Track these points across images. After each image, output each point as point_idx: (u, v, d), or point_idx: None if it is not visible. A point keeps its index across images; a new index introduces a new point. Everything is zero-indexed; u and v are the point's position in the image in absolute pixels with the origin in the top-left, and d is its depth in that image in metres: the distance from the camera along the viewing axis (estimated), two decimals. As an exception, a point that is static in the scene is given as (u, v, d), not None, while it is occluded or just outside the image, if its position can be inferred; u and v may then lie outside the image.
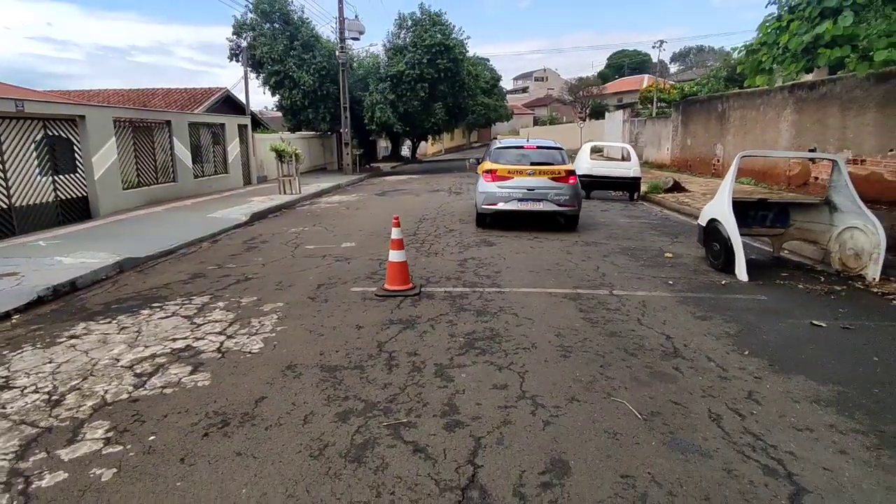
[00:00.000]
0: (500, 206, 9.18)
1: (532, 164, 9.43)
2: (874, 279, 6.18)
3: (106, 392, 3.61)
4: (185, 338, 4.57)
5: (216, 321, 4.97)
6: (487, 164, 9.63)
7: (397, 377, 3.74)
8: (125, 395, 3.56)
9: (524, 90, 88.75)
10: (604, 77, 67.73)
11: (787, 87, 13.83)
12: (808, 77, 11.48)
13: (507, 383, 3.63)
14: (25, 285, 6.10)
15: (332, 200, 14.82)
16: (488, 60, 48.41)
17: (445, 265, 6.92)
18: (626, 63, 73.29)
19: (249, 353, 4.21)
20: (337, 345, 4.33)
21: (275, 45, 22.68)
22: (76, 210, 10.91)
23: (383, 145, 39.89)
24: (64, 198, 10.57)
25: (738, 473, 2.67)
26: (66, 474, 2.72)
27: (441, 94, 24.74)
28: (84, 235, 9.21)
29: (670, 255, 7.56)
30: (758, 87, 14.64)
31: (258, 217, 11.65)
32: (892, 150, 10.67)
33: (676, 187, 14.56)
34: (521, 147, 10.14)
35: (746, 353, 4.17)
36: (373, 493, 2.53)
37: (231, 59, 23.52)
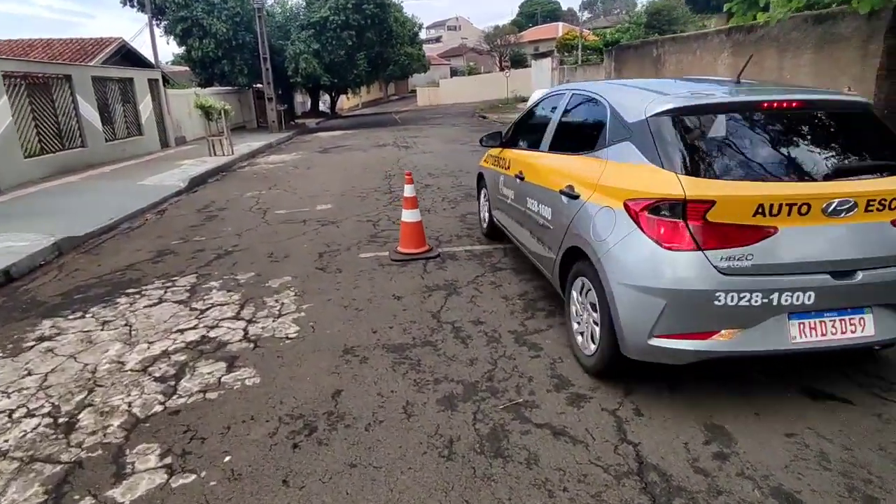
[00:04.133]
0: (738, 344, 2.48)
1: (830, 172, 2.60)
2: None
3: (130, 405, 2.90)
4: (194, 328, 3.83)
5: (221, 305, 4.22)
6: (665, 180, 2.54)
7: (478, 350, 3.32)
8: (159, 407, 2.87)
9: (437, 40, 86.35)
10: (519, 25, 67.39)
11: (723, 30, 14.21)
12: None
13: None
14: (-56, 280, 4.92)
15: (272, 160, 13.57)
16: (402, 7, 46.41)
17: (447, 223, 6.44)
18: (538, 11, 73.24)
19: (287, 338, 3.58)
20: (386, 319, 3.80)
21: (177, -14, 20.01)
22: (-31, 185, 9.10)
23: (300, 100, 37.49)
24: (-48, 170, 8.76)
25: None
26: (138, 522, 2.10)
27: (368, 42, 23.25)
28: (-8, 214, 7.68)
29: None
30: (694, 31, 14.96)
31: (198, 182, 10.37)
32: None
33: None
34: (757, 105, 2.76)
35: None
36: (543, 493, 2.15)
37: (125, 4, 20.53)
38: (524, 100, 33.97)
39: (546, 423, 2.59)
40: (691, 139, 2.67)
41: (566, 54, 33.37)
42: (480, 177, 5.66)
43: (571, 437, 2.48)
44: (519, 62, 50.27)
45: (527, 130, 4.58)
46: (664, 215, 2.51)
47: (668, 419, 2.58)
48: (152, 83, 16.00)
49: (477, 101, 38.09)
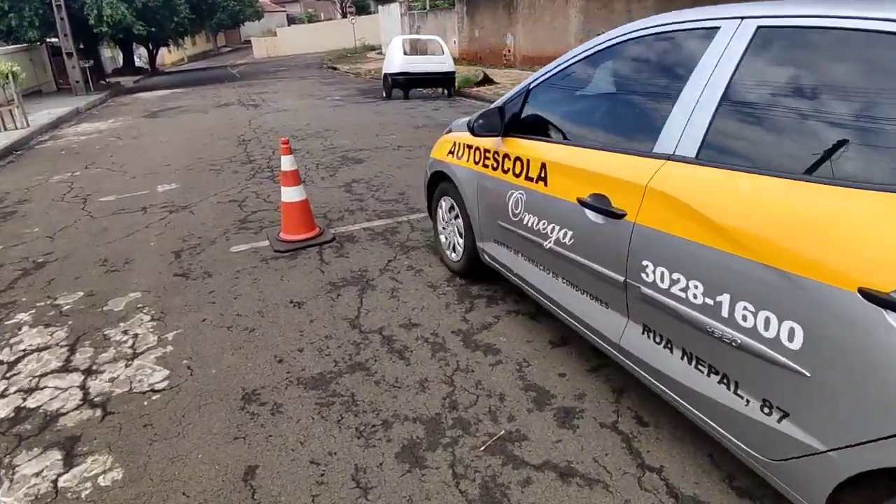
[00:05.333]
0: None
1: None
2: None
3: None
4: (1, 396, 2.59)
5: (40, 350, 2.96)
6: None
7: (425, 367, 2.62)
8: (-52, 561, 1.76)
9: (268, -17, 78.52)
10: (356, -32, 63.46)
11: (572, -28, 14.31)
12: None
13: (565, 335, 2.82)
14: None
15: (84, 130, 10.98)
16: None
17: (330, 195, 5.47)
18: (374, -47, 69.60)
19: (153, 391, 2.54)
20: (291, 339, 2.91)
21: None
22: None
23: (109, 55, 31.73)
24: None
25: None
26: None
27: (188, -17, 19.91)
28: None
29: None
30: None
31: (-21, 167, 7.91)
32: (671, 31, 11.95)
33: (487, 80, 14.47)
34: None
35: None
36: (586, 580, 1.59)
37: None
38: (373, 48, 32.33)
39: (545, 461, 2.02)
40: None
41: (411, -2, 32.13)
42: (439, 178, 3.50)
43: (583, 476, 1.94)
44: (362, 8, 47.62)
45: (578, 106, 2.60)
46: None
47: (676, 424, 2.16)
48: None
49: (322, 52, 35.52)
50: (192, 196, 5.70)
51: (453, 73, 13.46)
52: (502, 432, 2.17)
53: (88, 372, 2.72)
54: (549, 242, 2.36)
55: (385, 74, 13.39)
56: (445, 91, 13.62)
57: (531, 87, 2.62)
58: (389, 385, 2.49)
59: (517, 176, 2.57)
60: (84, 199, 5.86)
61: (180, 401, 2.46)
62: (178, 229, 4.72)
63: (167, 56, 40.02)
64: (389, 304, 3.23)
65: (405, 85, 12.97)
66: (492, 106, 2.77)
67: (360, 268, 3.75)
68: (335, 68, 23.71)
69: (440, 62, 13.38)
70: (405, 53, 13.18)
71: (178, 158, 7.58)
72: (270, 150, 7.72)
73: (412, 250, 4.00)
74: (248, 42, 50.97)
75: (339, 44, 35.91)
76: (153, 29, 20.21)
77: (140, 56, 34.20)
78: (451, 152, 3.29)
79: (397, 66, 12.84)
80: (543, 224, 2.39)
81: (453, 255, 3.54)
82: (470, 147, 3.06)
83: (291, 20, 60.01)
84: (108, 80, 23.29)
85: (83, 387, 2.61)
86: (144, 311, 3.31)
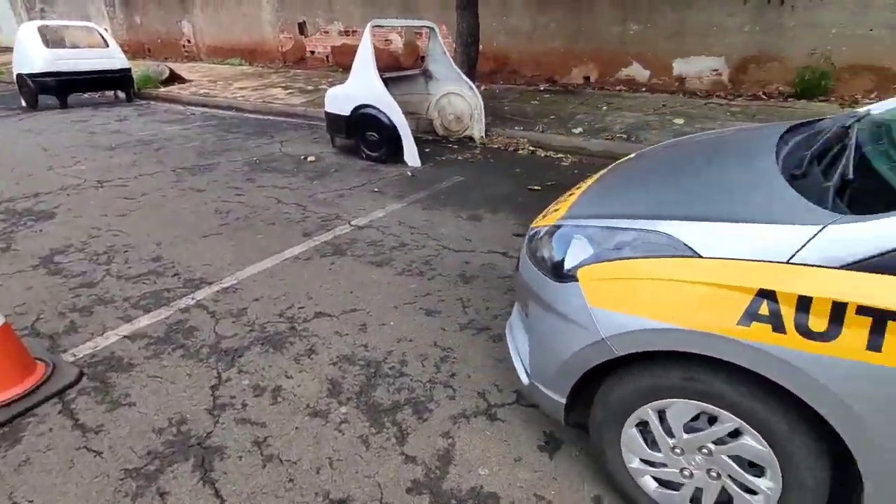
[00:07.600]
0: None
1: None
2: (482, 136, 6.91)
3: None
4: None
5: None
6: None
7: None
8: None
9: None
10: None
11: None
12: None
13: None
14: None
15: None
16: None
17: (23, 285, 3.27)
18: None
19: None
20: None
21: None
22: None
23: None
24: None
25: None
26: None
27: None
28: None
29: (314, 158, 6.16)
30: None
31: None
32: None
33: (175, 77, 11.90)
34: None
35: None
36: None
37: None
38: (49, 36, 23.61)
39: None
40: None
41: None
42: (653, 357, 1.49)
43: None
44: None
45: None
46: None
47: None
48: None
49: None
50: None
51: (129, 69, 10.58)
52: None
53: None
54: None
55: (19, 76, 9.66)
56: (123, 94, 10.64)
57: None
58: None
59: None
60: None
61: None
62: None
63: None
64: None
65: (59, 89, 9.60)
66: None
67: (169, 419, 2.18)
68: (-88, 67, 16.43)
69: (106, 57, 10.32)
70: (48, 46, 9.70)
71: None
72: None
73: (242, 356, 2.57)
74: None
75: None
76: None
77: None
78: (764, 320, 1.26)
79: (40, 64, 9.40)
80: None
81: None
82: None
83: None
84: None
85: None
86: None
